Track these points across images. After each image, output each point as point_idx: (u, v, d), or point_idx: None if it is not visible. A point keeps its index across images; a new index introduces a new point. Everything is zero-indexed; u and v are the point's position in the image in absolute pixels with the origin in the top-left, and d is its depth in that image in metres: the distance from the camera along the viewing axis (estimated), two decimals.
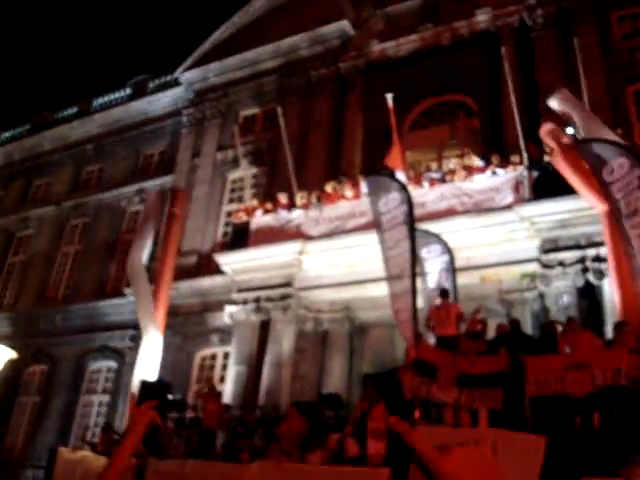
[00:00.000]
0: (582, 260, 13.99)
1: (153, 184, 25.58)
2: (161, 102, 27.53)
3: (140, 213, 25.76)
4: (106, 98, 30.00)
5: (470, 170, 15.79)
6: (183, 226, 19.84)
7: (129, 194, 26.41)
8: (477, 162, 15.99)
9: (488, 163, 15.75)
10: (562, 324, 11.19)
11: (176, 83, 26.71)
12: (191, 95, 25.94)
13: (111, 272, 25.18)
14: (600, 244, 13.44)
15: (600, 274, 13.67)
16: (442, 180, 16.05)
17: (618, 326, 10.06)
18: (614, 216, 11.11)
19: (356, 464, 9.63)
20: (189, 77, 25.84)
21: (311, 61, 22.90)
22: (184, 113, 25.83)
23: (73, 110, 31.22)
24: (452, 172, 15.99)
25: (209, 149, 24.08)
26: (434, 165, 17.78)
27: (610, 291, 13.16)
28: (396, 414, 9.93)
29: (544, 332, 11.15)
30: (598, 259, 13.72)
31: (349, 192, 17.03)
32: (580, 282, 13.95)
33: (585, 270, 13.94)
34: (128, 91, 29.32)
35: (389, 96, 17.61)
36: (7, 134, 33.62)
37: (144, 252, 17.94)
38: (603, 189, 11.23)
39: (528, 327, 14.11)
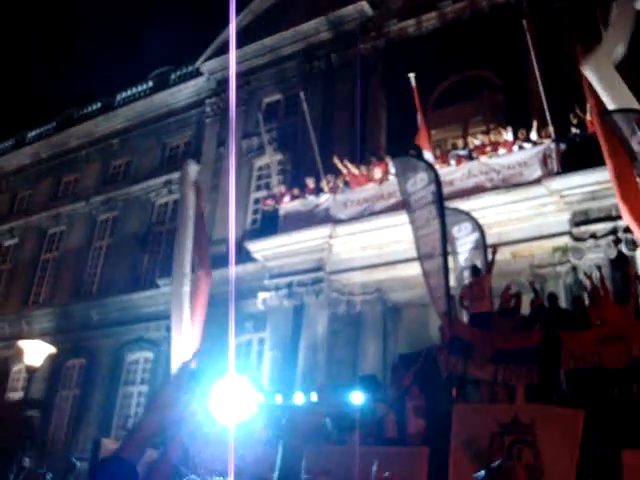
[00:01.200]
0: (614, 231, 13.87)
1: (180, 175, 25.71)
2: (184, 93, 27.65)
3: (169, 204, 26.03)
4: (129, 92, 30.20)
5: (496, 145, 15.70)
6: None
7: (157, 186, 26.63)
8: (505, 136, 15.85)
9: (515, 138, 15.64)
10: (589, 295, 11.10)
11: (198, 73, 26.81)
12: (213, 84, 26.03)
13: (143, 264, 25.45)
14: None
15: (633, 244, 13.54)
16: (469, 157, 15.98)
17: None
18: None
19: (395, 443, 9.72)
20: (210, 67, 25.89)
21: (331, 44, 22.83)
22: (207, 103, 25.96)
23: (97, 106, 31.49)
24: (479, 148, 15.91)
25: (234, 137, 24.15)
26: (460, 142, 17.67)
27: None
28: (432, 393, 10.01)
29: (577, 305, 11.10)
30: (630, 230, 13.59)
31: (377, 174, 17.02)
32: (613, 254, 13.84)
33: (617, 241, 13.82)
34: (150, 84, 29.48)
35: (411, 75, 17.53)
36: (33, 133, 34.04)
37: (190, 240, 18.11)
38: (631, 159, 11.10)
39: (562, 301, 14.04)
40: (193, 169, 19.59)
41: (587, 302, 10.92)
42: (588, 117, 14.34)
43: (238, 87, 24.99)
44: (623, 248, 13.76)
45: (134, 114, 29.18)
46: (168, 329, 21.46)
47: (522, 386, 9.33)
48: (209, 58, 25.79)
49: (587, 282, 13.69)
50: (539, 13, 18.75)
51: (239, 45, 25.02)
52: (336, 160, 18.33)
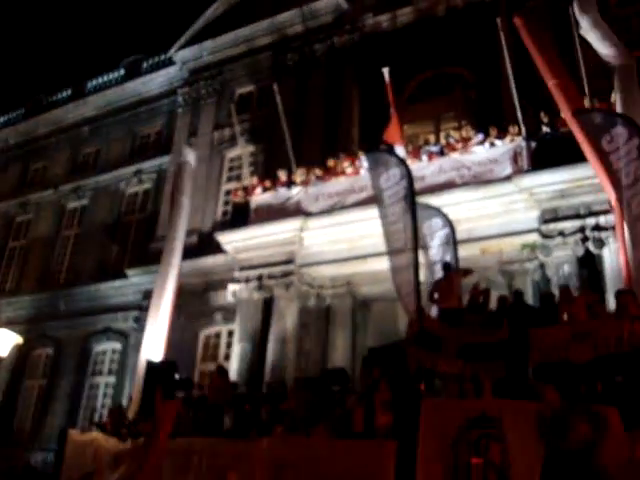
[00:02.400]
0: (582, 229, 14.06)
1: (151, 164, 25.66)
2: (155, 82, 27.44)
3: (139, 194, 25.85)
4: (100, 80, 29.88)
5: (468, 142, 15.80)
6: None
7: (127, 175, 26.43)
8: (477, 133, 15.97)
9: (486, 135, 15.75)
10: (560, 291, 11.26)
11: (170, 62, 26.61)
12: (186, 74, 25.85)
13: (112, 254, 25.27)
14: (600, 213, 13.53)
15: (600, 243, 13.75)
16: (441, 153, 16.06)
17: (619, 294, 10.14)
18: (615, 185, 11.14)
19: (363, 437, 9.76)
20: (183, 56, 25.73)
21: (306, 36, 22.78)
22: (179, 92, 25.77)
23: (67, 93, 31.11)
24: (450, 145, 16.00)
25: (206, 128, 24.07)
26: (432, 138, 17.75)
27: (610, 260, 13.28)
28: (400, 387, 10.06)
29: (545, 302, 11.23)
30: (598, 228, 13.80)
31: (349, 168, 17.04)
32: (580, 251, 14.02)
33: (585, 239, 14.01)
34: (122, 72, 29.18)
35: (385, 70, 17.55)
36: (1, 119, 33.56)
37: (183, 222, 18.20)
38: (603, 159, 11.26)
39: (529, 297, 14.20)
40: (191, 156, 19.58)
41: (557, 298, 11.07)
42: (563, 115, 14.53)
43: (211, 77, 24.86)
44: (590, 246, 13.95)
45: (105, 102, 28.89)
46: (136, 320, 21.48)
47: (490, 381, 9.41)
48: (182, 47, 25.63)
49: (555, 279, 13.98)
50: (513, 10, 18.84)
51: (212, 35, 24.90)
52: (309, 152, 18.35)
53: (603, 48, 13.47)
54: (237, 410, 13.39)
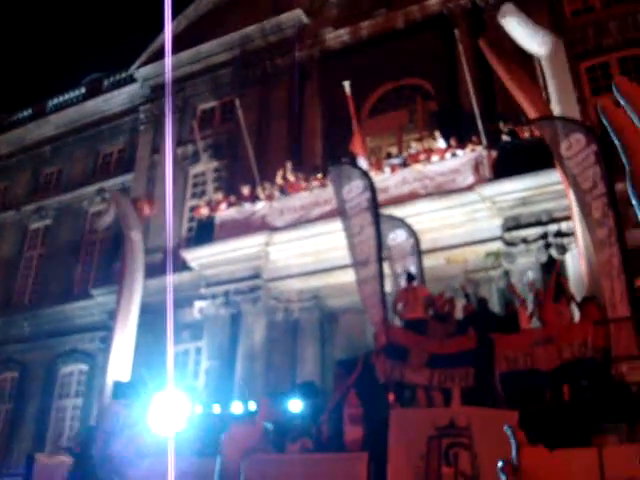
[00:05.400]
0: (544, 236, 14.26)
1: (114, 183, 25.38)
2: (117, 100, 27.21)
3: (103, 213, 25.57)
4: (61, 98, 29.54)
5: (430, 153, 15.94)
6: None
7: (89, 194, 26.14)
8: (438, 144, 16.13)
9: (447, 145, 15.91)
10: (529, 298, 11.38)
11: (131, 80, 26.42)
12: (147, 91, 25.70)
13: (77, 274, 24.94)
14: (561, 219, 13.72)
15: (562, 249, 13.95)
16: (403, 164, 16.18)
17: (583, 300, 10.28)
18: (573, 190, 11.31)
19: (334, 450, 9.75)
20: (144, 73, 25.59)
21: (267, 51, 22.81)
22: (141, 110, 25.62)
23: (28, 112, 30.73)
24: (412, 156, 16.13)
25: (168, 145, 23.93)
26: (395, 150, 17.89)
27: (573, 265, 13.45)
28: (370, 398, 10.08)
29: (510, 309, 11.34)
30: (560, 234, 14.00)
31: (313, 182, 17.09)
32: (543, 258, 14.21)
33: (548, 246, 14.21)
34: (83, 90, 28.89)
35: (346, 83, 17.66)
36: None
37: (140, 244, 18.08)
38: (561, 164, 11.43)
39: (495, 305, 14.33)
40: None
41: (518, 305, 11.20)
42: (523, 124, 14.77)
43: (173, 94, 24.75)
44: (553, 252, 14.13)
45: (66, 121, 28.57)
46: (103, 340, 21.21)
47: (458, 389, 9.47)
48: (143, 64, 25.50)
49: (519, 286, 14.11)
50: (471, 23, 19.12)
51: (174, 52, 24.79)
52: (272, 167, 18.38)
53: (531, 43, 13.78)
54: (208, 430, 13.29)
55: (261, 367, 16.78)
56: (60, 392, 23.08)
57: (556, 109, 13.19)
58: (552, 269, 13.94)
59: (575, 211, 11.67)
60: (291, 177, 17.67)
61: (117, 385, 15.70)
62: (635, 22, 16.90)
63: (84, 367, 22.68)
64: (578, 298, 10.65)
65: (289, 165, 18.59)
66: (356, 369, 10.68)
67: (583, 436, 7.80)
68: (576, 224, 11.90)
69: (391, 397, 10.07)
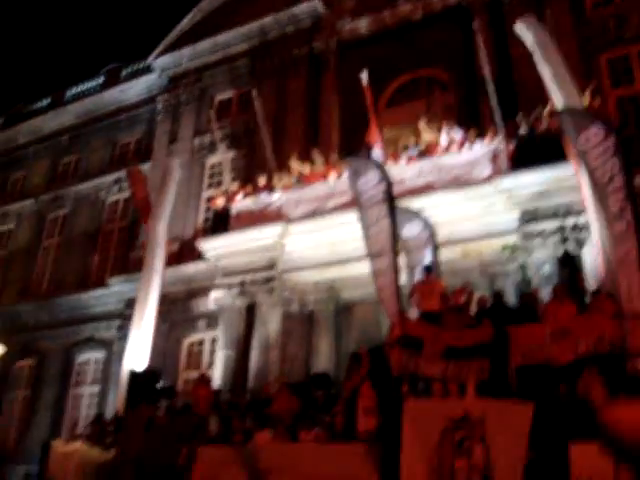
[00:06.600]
0: (561, 230, 14.13)
1: None
2: (135, 90, 27.37)
3: (119, 202, 25.76)
4: (79, 88, 29.78)
5: (447, 145, 15.86)
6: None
7: (107, 184, 26.35)
8: (456, 135, 16.03)
9: (465, 137, 15.81)
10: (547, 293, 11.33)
11: (149, 70, 26.57)
12: (165, 81, 25.80)
13: (94, 263, 25.14)
14: (578, 213, 13.59)
15: (579, 243, 13.84)
16: (420, 156, 16.11)
17: (599, 294, 10.21)
18: (591, 183, 11.21)
19: (347, 440, 9.76)
20: (162, 63, 25.69)
21: (284, 42, 22.81)
22: (158, 99, 25.72)
23: (46, 101, 30.96)
24: (430, 148, 16.05)
25: (186, 135, 24.03)
26: (412, 141, 17.82)
27: (590, 260, 13.34)
28: (384, 390, 10.07)
29: (524, 302, 11.29)
30: (577, 228, 13.88)
31: (330, 172, 17.06)
32: (560, 252, 14.10)
33: (565, 240, 14.08)
34: (101, 80, 29.08)
35: (364, 74, 17.61)
36: None
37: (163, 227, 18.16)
38: (579, 157, 11.33)
39: (511, 298, 14.25)
40: (175, 164, 19.62)
41: (543, 298, 11.14)
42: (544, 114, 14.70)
43: (190, 84, 24.84)
44: (570, 246, 14.03)
45: (84, 111, 28.76)
46: (119, 329, 21.37)
47: (473, 382, 9.43)
48: (161, 54, 25.60)
49: (536, 280, 14.04)
50: (490, 14, 19.01)
51: (191, 42, 24.89)
52: (289, 158, 18.37)
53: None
54: (221, 417, 13.38)
55: (275, 357, 16.81)
56: (77, 380, 23.28)
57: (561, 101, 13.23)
58: (568, 263, 13.98)
59: (591, 205, 11.57)
60: (307, 168, 17.65)
61: (133, 375, 15.84)
62: None
63: (100, 355, 22.86)
64: (594, 293, 10.57)
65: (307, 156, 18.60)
66: (367, 360, 10.69)
67: (597, 430, 7.75)
68: (591, 218, 11.79)
69: (405, 389, 10.07)
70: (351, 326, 17.99)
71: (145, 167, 24.61)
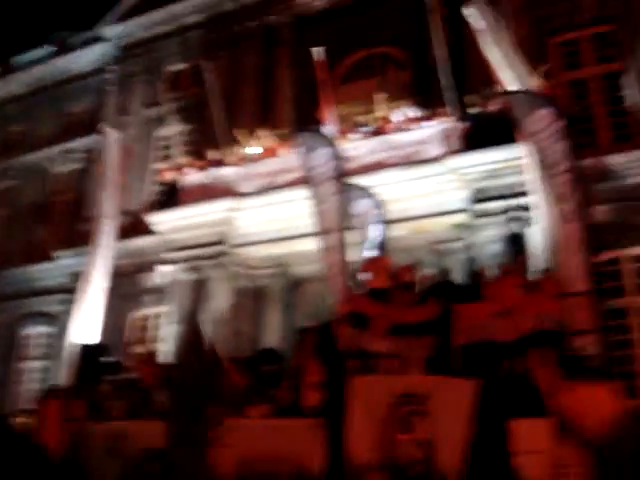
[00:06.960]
0: (508, 210, 14.34)
1: (79, 144, 25.09)
2: (85, 59, 26.67)
3: (67, 174, 25.28)
4: (27, 56, 28.95)
5: (400, 123, 15.90)
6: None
7: (55, 155, 25.78)
8: (409, 113, 16.09)
9: (418, 115, 15.87)
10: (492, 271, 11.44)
11: (100, 39, 25.92)
12: (116, 51, 25.25)
13: (39, 236, 24.67)
14: (525, 193, 13.77)
15: (525, 222, 14.03)
16: (372, 133, 16.13)
17: (541, 274, 10.37)
18: (540, 164, 11.36)
19: (293, 416, 9.77)
20: (113, 32, 25.11)
21: (237, 15, 22.46)
22: (108, 70, 25.18)
23: None
24: (382, 126, 16.08)
25: (136, 106, 23.62)
26: (364, 119, 17.80)
27: (536, 239, 13.56)
28: (331, 366, 10.10)
29: (472, 281, 11.41)
30: (523, 208, 14.07)
31: (281, 148, 16.98)
32: (506, 231, 14.32)
33: (512, 219, 14.29)
34: (50, 48, 28.32)
35: (315, 49, 17.52)
36: None
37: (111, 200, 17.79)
38: (528, 138, 11.47)
39: (459, 276, 14.41)
40: (113, 134, 19.18)
41: (484, 277, 11.25)
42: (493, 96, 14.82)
43: (142, 55, 24.40)
44: (517, 226, 14.23)
45: (32, 79, 28.00)
46: (64, 303, 21.03)
47: (419, 358, 9.50)
48: (112, 23, 25.03)
49: (482, 258, 14.22)
50: None
51: (144, 11, 24.38)
52: (240, 133, 18.21)
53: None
54: (170, 392, 13.28)
55: (224, 333, 16.77)
56: (20, 354, 22.95)
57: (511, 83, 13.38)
58: (515, 243, 14.19)
59: (539, 185, 11.73)
60: (259, 143, 17.54)
61: (85, 348, 15.62)
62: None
63: (46, 329, 22.52)
64: (538, 272, 10.74)
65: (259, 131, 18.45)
66: (315, 336, 10.70)
67: (538, 406, 7.89)
68: (539, 198, 11.97)
69: (351, 365, 10.10)
70: (301, 302, 18.02)
71: (93, 139, 24.20)
